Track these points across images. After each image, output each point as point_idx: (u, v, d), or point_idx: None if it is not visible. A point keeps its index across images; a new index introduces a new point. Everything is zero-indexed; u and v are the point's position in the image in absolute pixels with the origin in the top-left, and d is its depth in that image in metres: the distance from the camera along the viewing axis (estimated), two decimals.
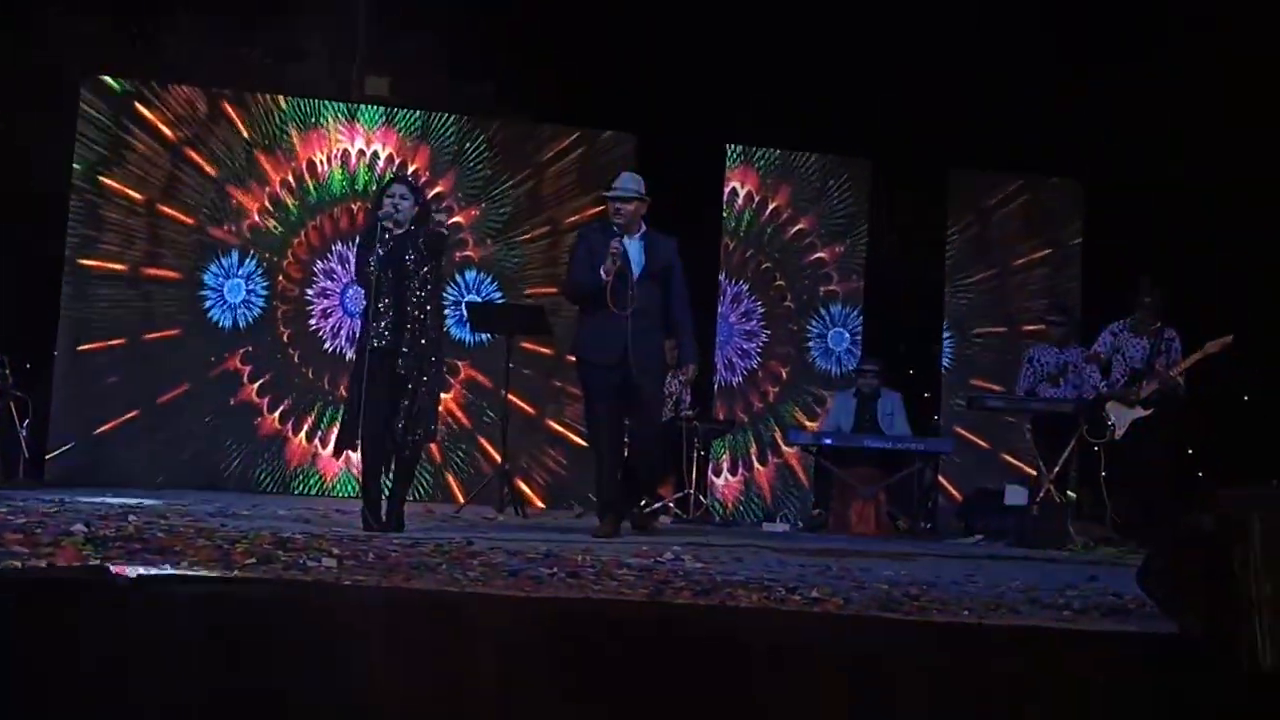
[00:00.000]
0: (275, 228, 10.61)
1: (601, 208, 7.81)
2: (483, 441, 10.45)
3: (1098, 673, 3.21)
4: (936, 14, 9.53)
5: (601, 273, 6.71)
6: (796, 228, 11.43)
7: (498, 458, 9.08)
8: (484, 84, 10.10)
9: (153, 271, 10.35)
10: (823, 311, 11.42)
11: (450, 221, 10.58)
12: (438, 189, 10.73)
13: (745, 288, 11.32)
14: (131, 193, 10.27)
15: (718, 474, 10.82)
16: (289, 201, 10.66)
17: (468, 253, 10.77)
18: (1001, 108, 10.01)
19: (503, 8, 9.55)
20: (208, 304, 10.50)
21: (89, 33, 9.26)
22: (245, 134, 10.54)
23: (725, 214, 11.18)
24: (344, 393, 8.29)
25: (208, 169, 10.45)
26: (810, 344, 11.37)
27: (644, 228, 6.95)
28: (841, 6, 9.65)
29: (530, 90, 9.83)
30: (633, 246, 6.85)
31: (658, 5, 9.77)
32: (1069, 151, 10.66)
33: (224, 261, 10.54)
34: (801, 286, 11.40)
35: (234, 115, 10.53)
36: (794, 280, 11.39)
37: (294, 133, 10.68)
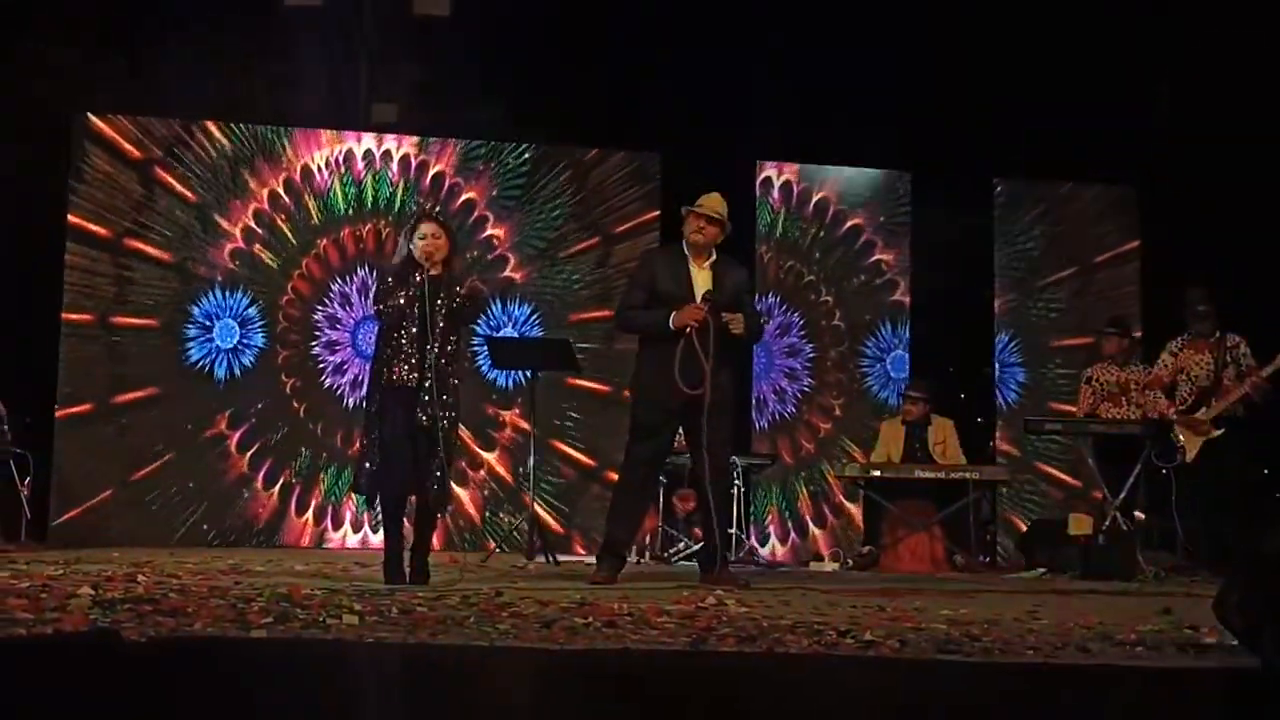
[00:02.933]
0: (270, 259, 10.61)
1: (612, 227, 7.78)
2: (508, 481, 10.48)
3: (1175, 713, 3.17)
4: (970, 17, 9.58)
5: (672, 323, 6.62)
6: (848, 224, 11.33)
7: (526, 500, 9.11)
8: (492, 108, 10.19)
9: (124, 320, 10.33)
10: (881, 330, 11.29)
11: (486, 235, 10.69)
12: (467, 194, 10.81)
13: (778, 302, 11.21)
14: (94, 226, 10.25)
15: (761, 512, 10.78)
16: (282, 225, 10.65)
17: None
18: (1046, 113, 10.03)
19: (510, 30, 9.64)
20: (190, 352, 10.45)
21: (79, 65, 9.39)
22: (228, 146, 10.54)
23: (758, 208, 11.09)
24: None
25: (181, 190, 10.43)
26: (865, 367, 11.28)
27: (714, 255, 6.86)
28: (873, 14, 9.69)
29: (543, 112, 9.91)
30: (699, 275, 6.77)
31: (677, 19, 9.85)
32: (1121, 156, 10.65)
33: (211, 299, 10.50)
34: (852, 297, 11.29)
35: (215, 132, 10.54)
36: (844, 292, 11.29)
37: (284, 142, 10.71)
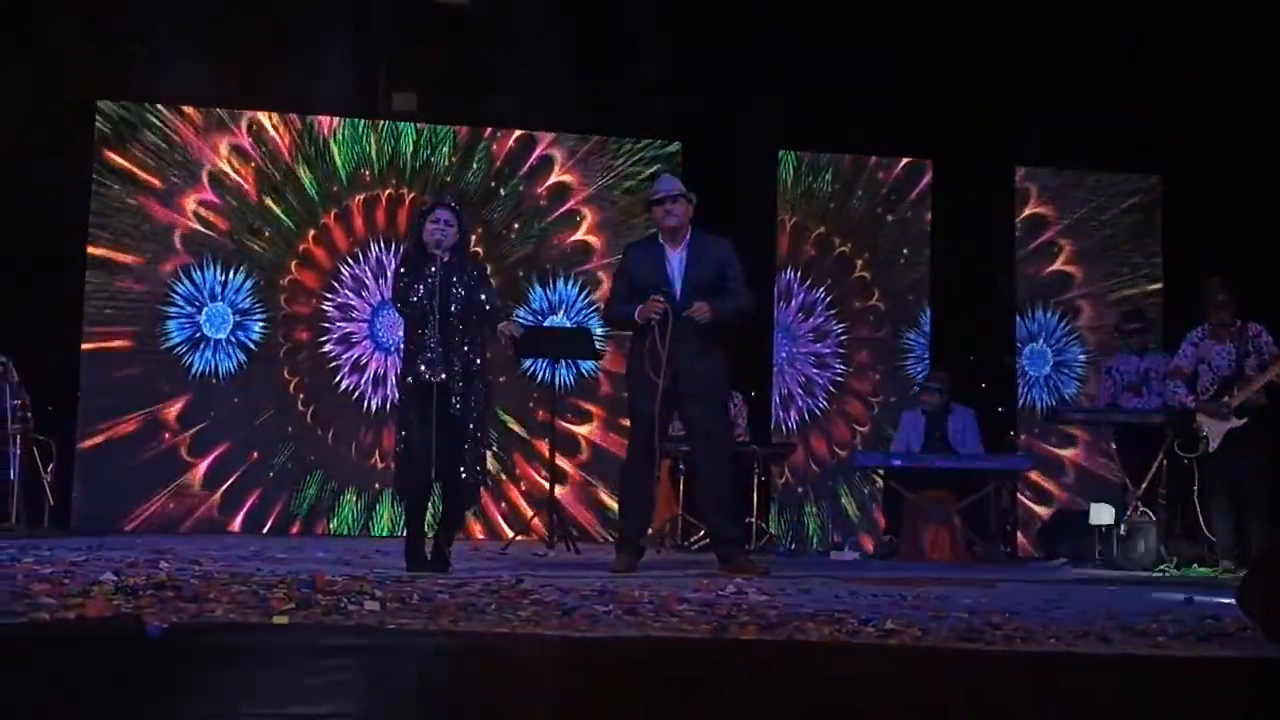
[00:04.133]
0: (264, 241, 10.51)
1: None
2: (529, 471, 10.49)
3: (1197, 703, 3.16)
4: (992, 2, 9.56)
5: (636, 316, 6.66)
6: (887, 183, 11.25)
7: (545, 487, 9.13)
8: (513, 96, 10.18)
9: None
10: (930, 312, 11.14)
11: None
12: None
13: (801, 277, 11.11)
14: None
15: (780, 500, 10.77)
16: (275, 202, 10.53)
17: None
18: (1068, 100, 9.99)
19: (531, 16, 9.62)
20: (172, 338, 10.37)
21: (90, 54, 9.41)
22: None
23: (781, 172, 11.04)
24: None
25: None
26: (910, 362, 11.21)
27: (689, 233, 6.83)
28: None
29: (563, 100, 9.90)
30: (674, 258, 6.77)
31: (697, 5, 9.84)
32: (1143, 144, 10.60)
33: (197, 279, 10.36)
34: (895, 274, 11.19)
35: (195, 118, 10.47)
36: (886, 266, 11.19)
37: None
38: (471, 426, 6.15)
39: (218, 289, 10.40)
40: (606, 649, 3.34)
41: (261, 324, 10.48)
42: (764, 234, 10.74)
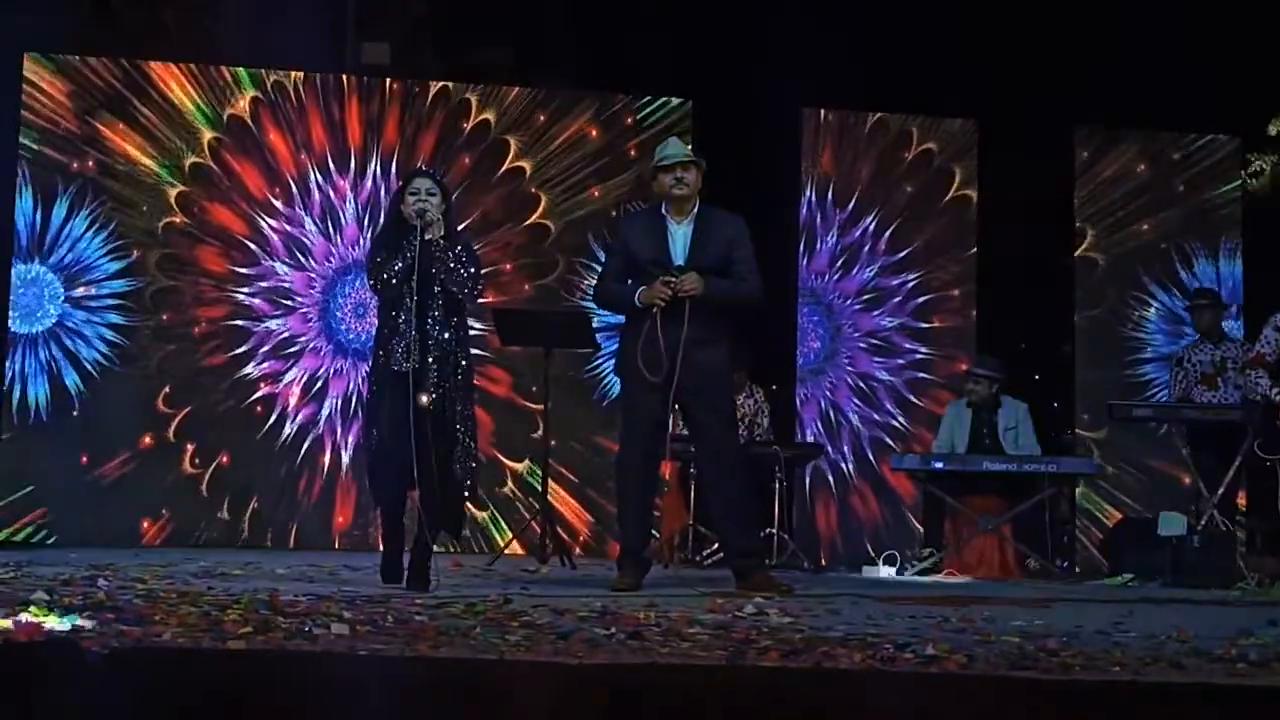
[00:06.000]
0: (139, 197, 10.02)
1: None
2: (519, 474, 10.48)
3: None
4: None
5: (637, 299, 6.65)
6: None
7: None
8: (501, 49, 10.17)
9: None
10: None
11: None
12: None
13: (835, 248, 11.10)
14: None
15: (807, 508, 10.77)
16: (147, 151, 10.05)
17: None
18: (1133, 53, 9.96)
19: None
20: None
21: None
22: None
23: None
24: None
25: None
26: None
27: (696, 206, 6.80)
28: None
29: (558, 53, 9.89)
30: (679, 233, 6.75)
31: None
32: (1222, 102, 10.58)
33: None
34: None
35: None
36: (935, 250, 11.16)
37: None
38: (454, 420, 6.17)
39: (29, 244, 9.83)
40: (608, 678, 3.35)
41: (119, 315, 9.98)
42: (786, 207, 10.73)
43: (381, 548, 6.41)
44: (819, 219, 11.13)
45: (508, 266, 10.59)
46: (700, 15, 10.09)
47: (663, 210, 6.82)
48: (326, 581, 6.37)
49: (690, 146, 6.98)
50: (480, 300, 7.35)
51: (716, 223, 6.79)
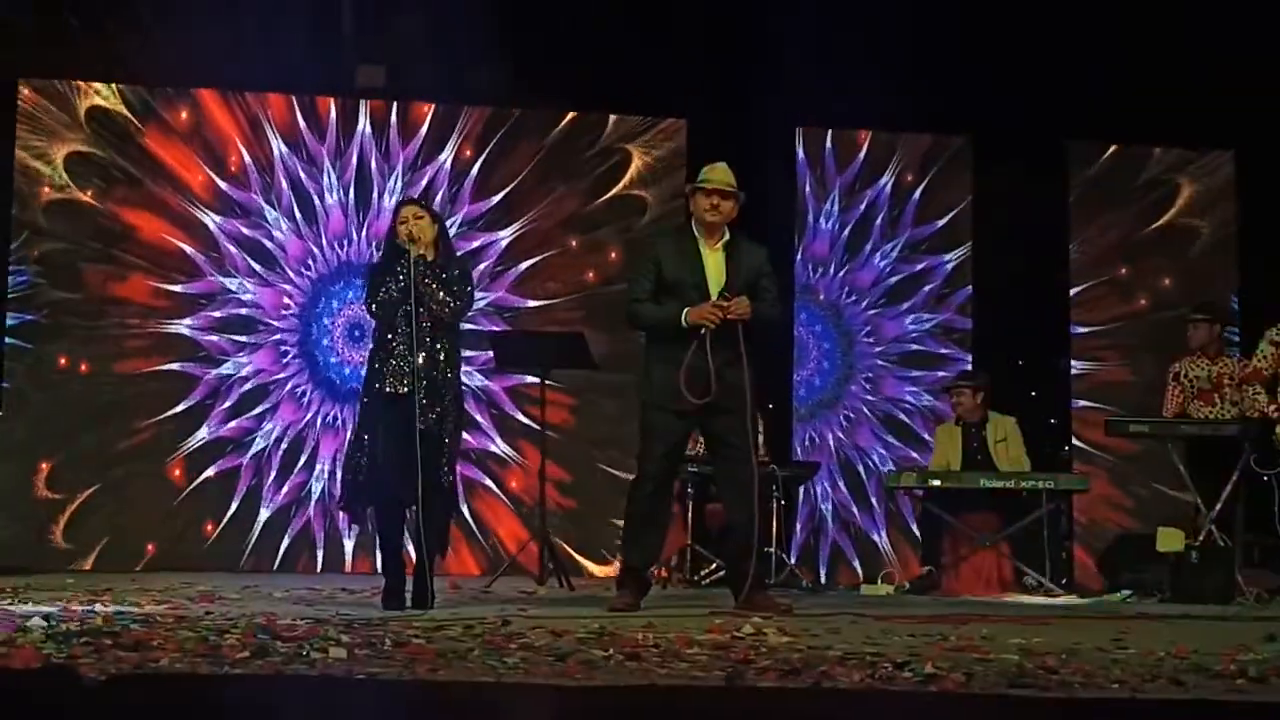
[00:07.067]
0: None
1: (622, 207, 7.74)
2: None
3: None
4: None
5: (685, 319, 6.64)
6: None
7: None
8: (498, 69, 10.17)
9: None
10: None
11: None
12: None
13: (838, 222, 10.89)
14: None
15: (803, 528, 10.75)
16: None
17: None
18: (1125, 68, 9.99)
19: None
20: None
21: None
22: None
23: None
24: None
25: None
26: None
27: (727, 234, 6.87)
28: None
29: (555, 74, 9.90)
30: (711, 258, 6.79)
31: None
32: (1217, 118, 10.60)
33: None
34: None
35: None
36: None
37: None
38: (444, 441, 6.27)
39: None
40: (606, 699, 3.34)
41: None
42: (782, 226, 10.70)
43: (382, 569, 6.44)
44: (810, 186, 10.73)
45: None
46: (694, 35, 10.11)
47: (694, 233, 6.86)
48: (324, 605, 6.37)
49: (734, 179, 6.93)
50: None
51: (746, 251, 6.88)
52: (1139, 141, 11.37)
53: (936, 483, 9.35)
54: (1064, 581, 9.32)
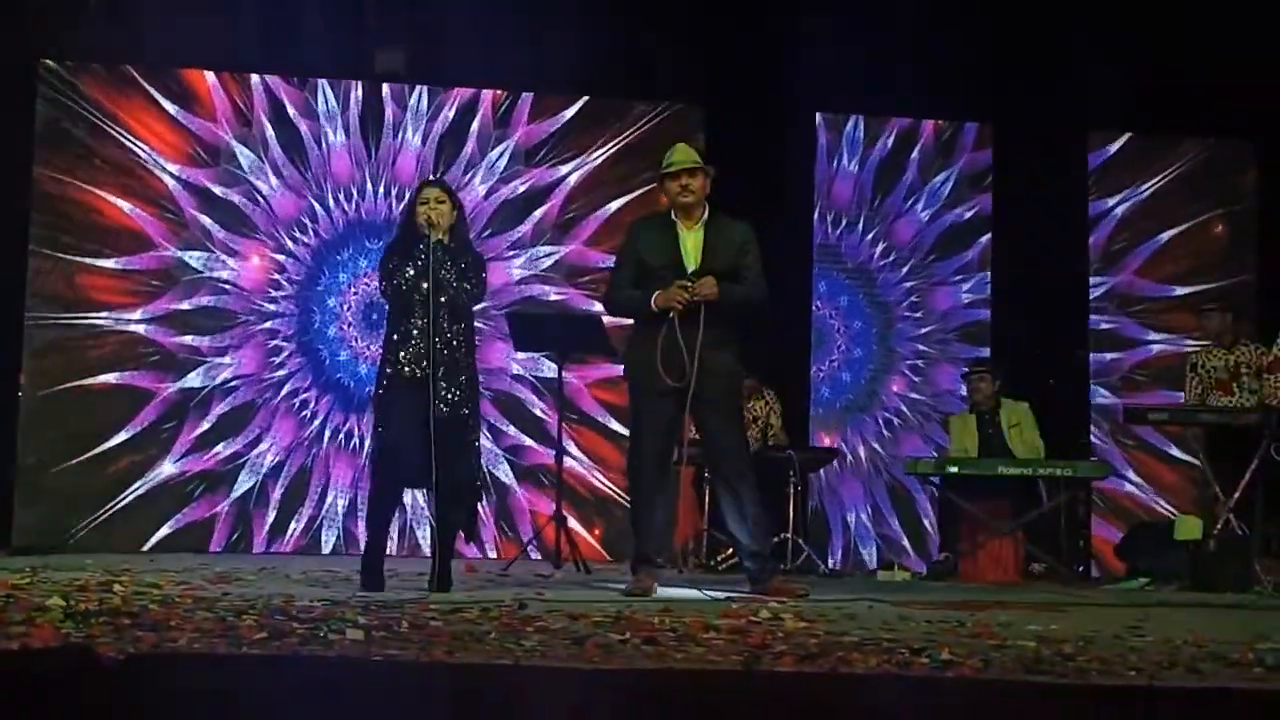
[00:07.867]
0: None
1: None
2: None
3: None
4: None
5: (653, 304, 6.64)
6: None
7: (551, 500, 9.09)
8: (519, 54, 10.15)
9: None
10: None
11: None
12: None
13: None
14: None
15: (821, 512, 10.74)
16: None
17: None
18: (1146, 56, 9.96)
19: None
20: None
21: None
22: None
23: None
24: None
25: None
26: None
27: (705, 212, 6.83)
28: None
29: (574, 60, 9.89)
30: (689, 239, 6.76)
31: None
32: (1236, 105, 10.56)
33: None
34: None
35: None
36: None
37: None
38: (465, 423, 6.31)
39: None
40: (623, 683, 3.34)
41: None
42: (800, 215, 10.67)
43: (364, 550, 6.49)
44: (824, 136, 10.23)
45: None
46: (712, 20, 10.08)
47: (672, 216, 6.84)
48: (341, 586, 6.38)
49: (698, 152, 6.95)
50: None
51: (726, 229, 6.83)
52: (1160, 131, 11.33)
53: (955, 469, 9.31)
54: (1081, 569, 9.30)
